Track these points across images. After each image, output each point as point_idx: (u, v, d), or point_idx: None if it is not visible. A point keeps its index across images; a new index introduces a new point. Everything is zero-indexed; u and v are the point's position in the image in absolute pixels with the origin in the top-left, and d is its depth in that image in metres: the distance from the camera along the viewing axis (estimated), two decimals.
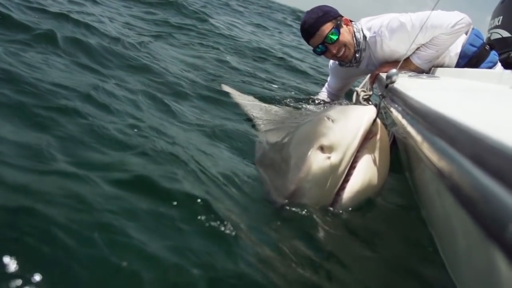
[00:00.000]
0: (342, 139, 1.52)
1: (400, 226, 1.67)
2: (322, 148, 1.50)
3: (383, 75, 1.70)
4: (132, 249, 1.09)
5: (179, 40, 5.52)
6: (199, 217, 1.28)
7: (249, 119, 2.66)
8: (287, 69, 5.64)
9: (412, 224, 1.62)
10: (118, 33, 4.45)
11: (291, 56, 6.84)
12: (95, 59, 3.22)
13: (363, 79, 3.98)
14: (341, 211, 1.53)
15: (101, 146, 1.69)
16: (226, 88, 3.40)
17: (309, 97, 3.73)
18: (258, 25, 10.89)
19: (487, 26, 3.64)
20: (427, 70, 2.95)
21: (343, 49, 2.93)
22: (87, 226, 1.13)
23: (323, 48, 2.93)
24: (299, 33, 3.18)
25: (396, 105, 1.41)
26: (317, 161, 1.48)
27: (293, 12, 21.74)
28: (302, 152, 1.52)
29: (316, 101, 3.55)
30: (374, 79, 3.05)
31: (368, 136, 1.62)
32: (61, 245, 1.04)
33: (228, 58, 5.10)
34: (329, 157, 1.49)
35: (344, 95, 3.78)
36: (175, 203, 1.33)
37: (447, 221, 1.05)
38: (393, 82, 1.57)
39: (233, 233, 1.25)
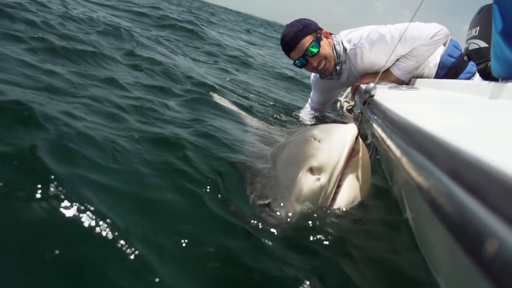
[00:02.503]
0: (330, 159, 1.53)
1: (387, 237, 1.68)
2: (311, 170, 1.50)
3: (364, 87, 1.72)
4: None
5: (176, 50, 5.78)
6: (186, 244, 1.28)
7: (235, 133, 2.64)
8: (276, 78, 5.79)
9: (398, 233, 1.63)
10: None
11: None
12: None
13: (346, 91, 4.02)
14: (328, 229, 1.53)
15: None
16: (216, 97, 3.41)
17: (293, 113, 3.75)
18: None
19: (465, 35, 3.71)
20: (407, 81, 2.98)
21: (324, 62, 2.95)
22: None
23: (304, 61, 2.95)
24: None
25: (376, 117, 1.42)
26: (308, 183, 1.48)
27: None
28: (292, 174, 1.51)
29: (300, 117, 3.56)
30: (355, 90, 3.08)
31: (351, 154, 1.62)
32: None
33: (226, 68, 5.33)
34: (318, 179, 1.49)
35: (327, 110, 3.81)
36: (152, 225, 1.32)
37: (429, 233, 1.05)
38: (372, 96, 1.58)
39: (218, 256, 1.25)
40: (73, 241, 1.15)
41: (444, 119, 1.08)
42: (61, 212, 1.22)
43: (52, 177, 1.36)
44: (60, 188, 1.31)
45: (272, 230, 1.45)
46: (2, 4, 4.55)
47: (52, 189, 1.31)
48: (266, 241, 1.42)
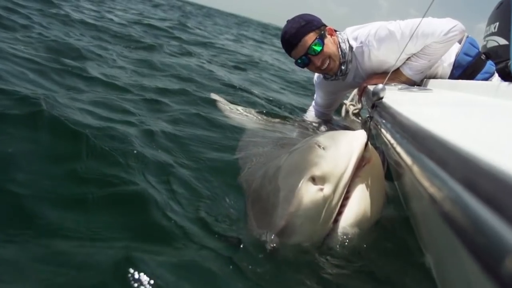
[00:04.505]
0: (335, 168, 1.51)
1: (399, 256, 1.67)
2: (313, 179, 1.48)
3: (372, 88, 1.72)
4: None
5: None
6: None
7: (235, 140, 2.67)
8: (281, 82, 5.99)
9: (412, 252, 1.62)
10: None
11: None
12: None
13: (351, 93, 4.03)
14: (334, 247, 1.51)
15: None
16: (215, 97, 3.49)
17: (297, 117, 3.77)
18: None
19: (476, 35, 3.71)
20: (419, 82, 2.98)
21: (328, 61, 2.94)
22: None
23: (306, 60, 2.94)
24: None
25: (385, 121, 1.42)
26: (309, 193, 1.45)
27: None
28: (292, 184, 1.49)
29: (305, 122, 3.57)
30: (362, 92, 3.07)
31: (361, 163, 1.61)
32: None
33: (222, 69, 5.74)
34: (321, 189, 1.47)
35: (333, 113, 3.81)
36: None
37: (442, 249, 1.05)
38: (380, 98, 1.58)
39: (215, 277, 1.27)
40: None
41: (459, 124, 1.08)
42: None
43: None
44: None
45: (268, 246, 1.45)
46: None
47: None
48: (261, 257, 1.42)
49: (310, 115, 3.74)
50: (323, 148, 1.59)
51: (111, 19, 8.65)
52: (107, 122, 2.36)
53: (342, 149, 1.58)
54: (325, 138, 1.69)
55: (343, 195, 1.53)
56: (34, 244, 1.26)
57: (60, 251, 1.25)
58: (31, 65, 3.29)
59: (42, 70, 3.25)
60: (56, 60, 3.71)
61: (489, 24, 3.64)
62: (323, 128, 3.35)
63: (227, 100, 3.61)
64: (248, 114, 3.32)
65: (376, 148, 1.77)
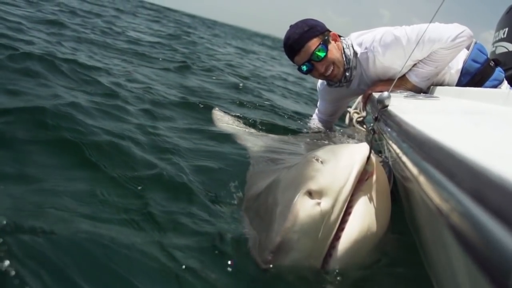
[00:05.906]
0: (333, 182, 1.50)
1: (403, 276, 1.66)
2: (310, 193, 1.47)
3: (377, 96, 1.71)
4: None
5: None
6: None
7: (238, 155, 2.68)
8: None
9: (416, 272, 1.61)
10: None
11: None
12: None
13: (356, 101, 4.04)
14: (336, 267, 1.49)
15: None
16: (218, 113, 3.54)
17: (301, 126, 3.79)
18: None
19: (485, 42, 3.72)
20: (425, 89, 2.98)
21: (332, 67, 2.94)
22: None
23: (310, 66, 2.95)
24: None
25: (390, 130, 1.41)
26: (305, 208, 1.44)
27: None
28: (288, 198, 1.49)
29: (308, 131, 3.57)
30: (367, 99, 3.07)
31: (364, 177, 1.60)
32: None
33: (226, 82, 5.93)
34: (318, 203, 1.45)
35: (336, 121, 3.82)
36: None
37: (449, 263, 1.04)
38: (385, 106, 1.57)
39: None
40: None
41: (467, 133, 1.08)
42: None
43: None
44: None
45: (264, 263, 1.44)
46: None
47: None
48: (254, 275, 1.42)
49: (313, 122, 3.74)
50: (321, 162, 1.58)
51: (116, 36, 8.77)
52: (114, 137, 2.43)
53: (342, 163, 1.58)
54: (324, 152, 1.69)
55: (343, 210, 1.51)
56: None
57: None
58: (39, 80, 3.39)
59: (51, 85, 3.36)
60: (67, 76, 3.83)
61: (498, 29, 3.64)
62: (327, 139, 3.35)
63: (231, 115, 3.65)
64: (249, 128, 3.34)
65: (381, 161, 1.76)
